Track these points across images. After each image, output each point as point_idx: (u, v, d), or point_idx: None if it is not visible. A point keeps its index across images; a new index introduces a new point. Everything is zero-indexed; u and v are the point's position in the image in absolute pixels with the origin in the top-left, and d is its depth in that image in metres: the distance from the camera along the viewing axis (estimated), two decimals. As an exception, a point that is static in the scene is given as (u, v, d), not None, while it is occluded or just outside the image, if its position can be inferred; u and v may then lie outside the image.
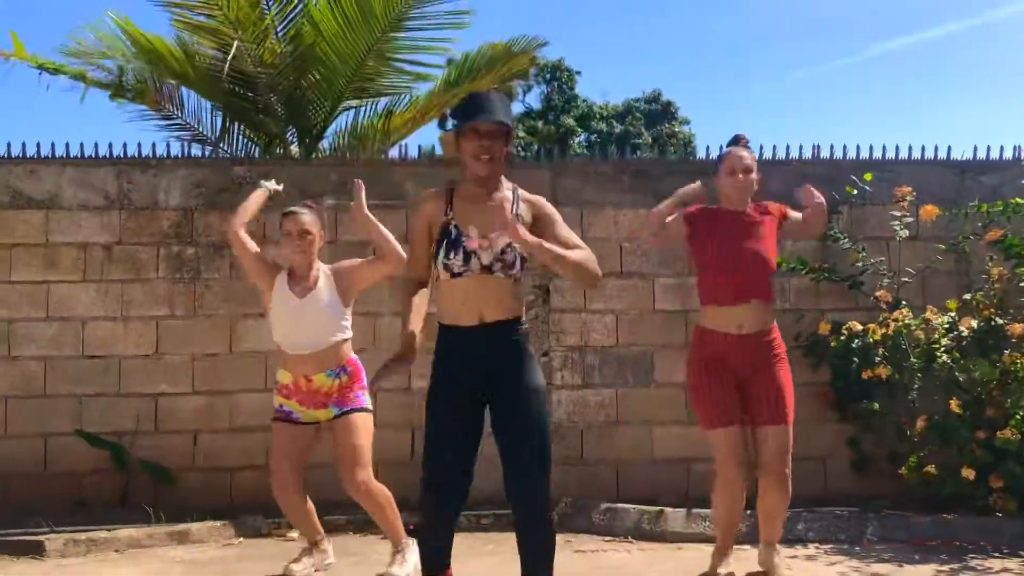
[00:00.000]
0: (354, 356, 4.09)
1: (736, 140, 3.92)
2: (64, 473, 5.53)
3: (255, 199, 4.17)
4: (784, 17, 39.37)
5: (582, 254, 2.94)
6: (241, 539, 4.90)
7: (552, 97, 24.63)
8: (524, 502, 2.89)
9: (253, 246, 4.07)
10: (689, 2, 39.34)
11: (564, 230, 3.02)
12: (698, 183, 3.92)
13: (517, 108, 22.84)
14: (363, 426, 3.99)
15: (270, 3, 6.18)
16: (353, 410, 3.99)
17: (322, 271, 4.04)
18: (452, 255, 2.91)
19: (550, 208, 3.06)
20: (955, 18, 41.41)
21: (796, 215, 3.89)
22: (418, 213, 3.09)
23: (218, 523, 4.96)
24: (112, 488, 5.50)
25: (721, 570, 3.80)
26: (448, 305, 2.98)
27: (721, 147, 4.02)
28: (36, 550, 4.50)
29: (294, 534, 5.02)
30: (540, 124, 23.45)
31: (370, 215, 3.74)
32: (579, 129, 24.04)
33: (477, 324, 2.94)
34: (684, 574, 4.05)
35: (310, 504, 4.16)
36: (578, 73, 24.82)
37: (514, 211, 2.93)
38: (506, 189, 3.01)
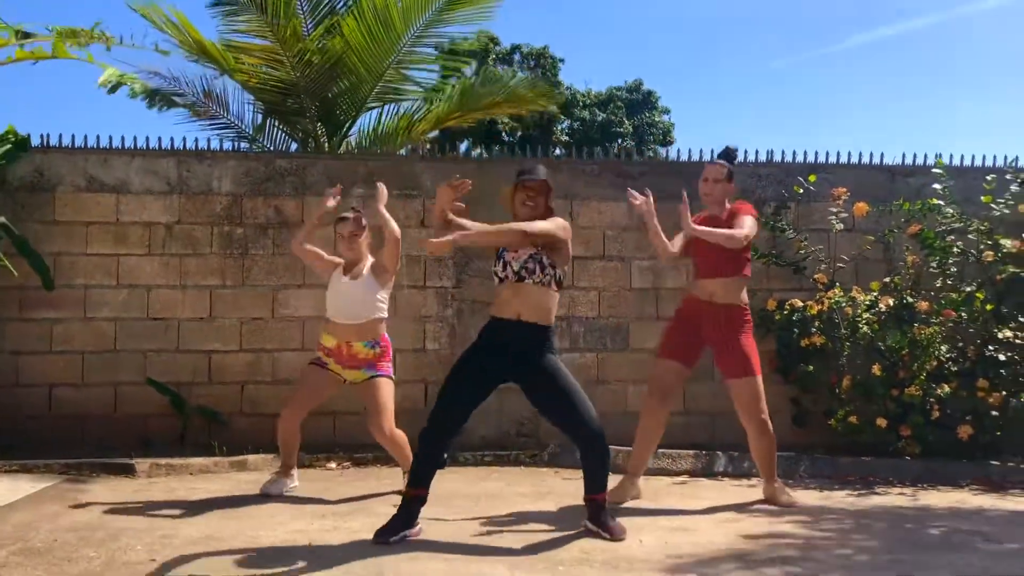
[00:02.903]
0: (387, 335, 5.13)
1: (725, 154, 5.02)
2: (131, 416, 6.51)
3: (309, 222, 5.17)
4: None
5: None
6: (289, 468, 5.93)
7: (536, 83, 25.11)
8: (581, 438, 4.03)
9: (313, 251, 5.14)
10: (672, -7, 40.28)
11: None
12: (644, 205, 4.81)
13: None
14: (387, 388, 5.06)
15: (309, 24, 7.16)
16: (381, 375, 5.05)
17: (368, 262, 5.10)
18: (496, 263, 4.07)
19: None
20: (914, 15, 42.74)
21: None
22: None
23: (269, 455, 5.99)
24: (172, 429, 6.49)
25: (633, 493, 4.93)
26: (497, 303, 4.10)
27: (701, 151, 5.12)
28: (128, 471, 5.54)
29: (332, 464, 6.09)
30: (523, 111, 24.05)
31: (385, 212, 4.95)
32: (562, 116, 24.82)
33: (515, 319, 4.02)
34: (648, 490, 5.16)
35: (300, 439, 5.16)
36: (561, 60, 25.49)
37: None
38: None
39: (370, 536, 3.91)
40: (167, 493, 4.97)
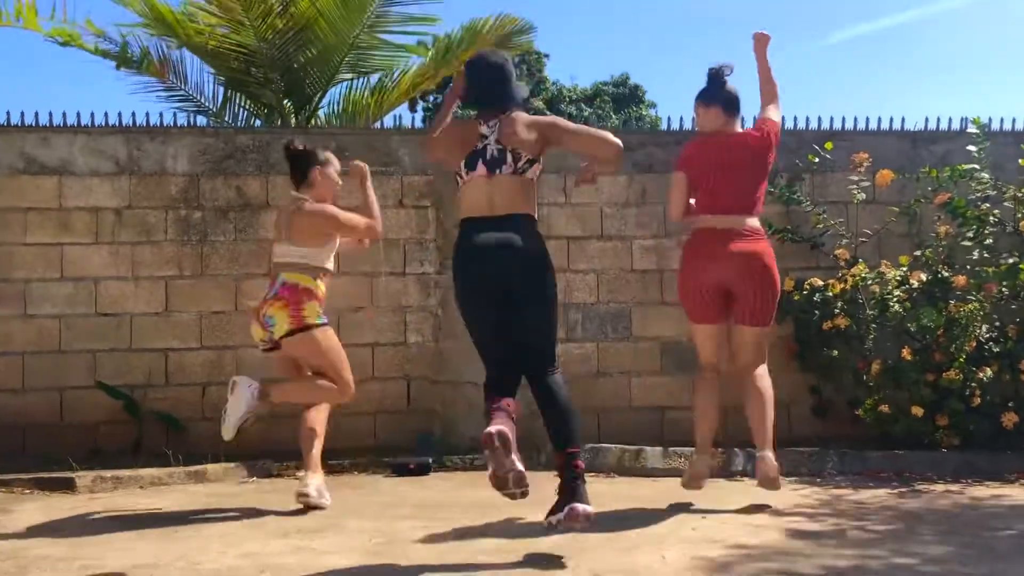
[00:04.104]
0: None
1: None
2: (79, 424, 5.83)
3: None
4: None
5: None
6: (254, 478, 5.27)
7: (521, 79, 24.76)
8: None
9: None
10: (656, -14, 39.90)
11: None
12: None
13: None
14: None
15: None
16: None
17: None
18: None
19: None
20: (914, 6, 42.52)
21: None
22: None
23: (231, 464, 5.32)
24: (125, 437, 5.81)
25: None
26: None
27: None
28: (67, 486, 4.86)
29: (302, 472, 5.41)
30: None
31: (371, 191, 4.58)
32: (548, 112, 24.43)
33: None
34: (660, 493, 4.53)
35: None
36: (547, 56, 25.19)
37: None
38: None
39: (339, 560, 3.26)
40: (107, 511, 4.29)
